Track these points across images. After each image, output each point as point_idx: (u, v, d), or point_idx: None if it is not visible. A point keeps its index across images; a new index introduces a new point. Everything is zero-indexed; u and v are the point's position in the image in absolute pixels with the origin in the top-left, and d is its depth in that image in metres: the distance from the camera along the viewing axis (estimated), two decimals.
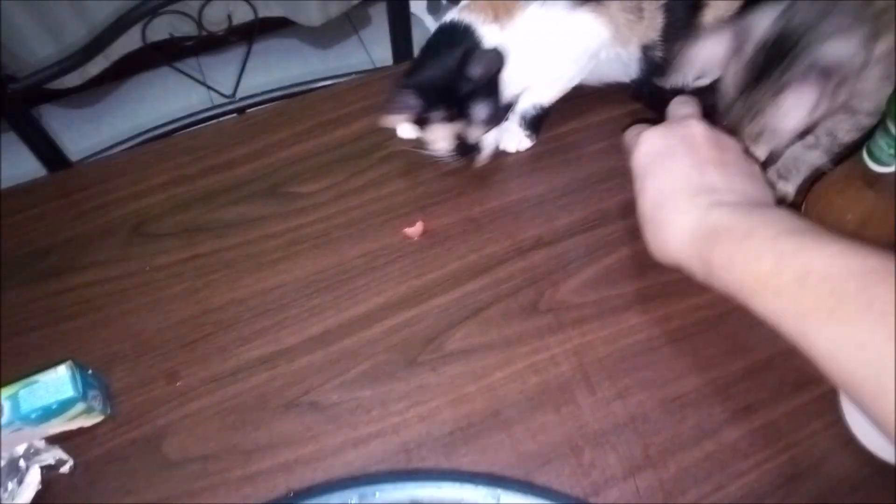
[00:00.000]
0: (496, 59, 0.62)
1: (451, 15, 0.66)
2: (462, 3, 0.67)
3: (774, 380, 0.55)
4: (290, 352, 0.60)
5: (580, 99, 0.70)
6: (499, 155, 0.69)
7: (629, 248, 0.63)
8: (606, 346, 0.58)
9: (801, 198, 0.59)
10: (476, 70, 0.62)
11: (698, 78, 0.69)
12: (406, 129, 0.71)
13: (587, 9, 0.63)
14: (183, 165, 0.73)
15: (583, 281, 0.62)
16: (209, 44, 1.03)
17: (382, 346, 0.60)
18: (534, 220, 0.66)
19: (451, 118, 0.64)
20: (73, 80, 1.64)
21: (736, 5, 0.60)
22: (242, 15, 1.68)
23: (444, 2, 1.89)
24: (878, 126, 0.41)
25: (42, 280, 0.66)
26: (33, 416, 0.52)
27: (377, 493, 0.42)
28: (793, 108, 0.51)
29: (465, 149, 0.66)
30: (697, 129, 0.54)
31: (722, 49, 0.56)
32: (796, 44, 0.51)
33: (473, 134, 0.65)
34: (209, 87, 1.00)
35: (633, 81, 0.69)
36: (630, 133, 0.59)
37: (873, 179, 0.44)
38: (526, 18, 0.64)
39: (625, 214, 0.65)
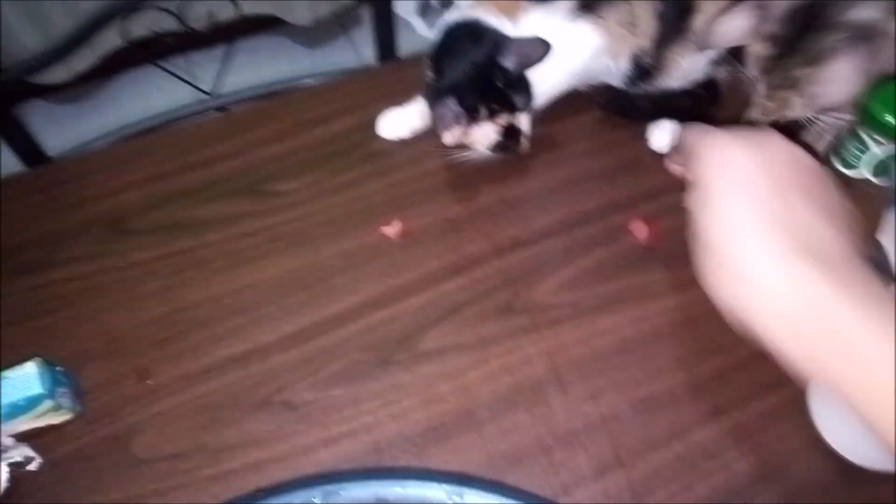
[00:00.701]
0: (541, 47, 0.62)
1: (456, 16, 0.66)
2: (465, 4, 0.66)
3: (744, 381, 0.55)
4: (264, 350, 0.60)
5: (560, 102, 0.70)
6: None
7: (605, 250, 0.63)
8: (580, 346, 0.58)
9: None
10: (514, 59, 0.62)
11: (682, 79, 0.69)
12: (387, 130, 0.72)
13: (587, 20, 0.63)
14: (161, 162, 0.72)
15: (558, 282, 0.62)
16: (194, 41, 1.02)
17: (357, 345, 0.60)
18: (511, 220, 0.66)
19: (495, 112, 0.64)
20: (61, 75, 1.64)
21: (723, 5, 0.60)
22: (230, 12, 1.68)
23: (434, 4, 1.89)
24: (848, 131, 0.42)
25: (16, 276, 0.65)
26: (0, 412, 0.52)
27: (341, 492, 0.42)
28: (844, 75, 0.50)
29: (510, 138, 0.66)
30: (781, 146, 0.45)
31: (746, 23, 0.56)
32: (824, 12, 0.51)
33: (520, 120, 0.65)
34: (191, 84, 0.99)
35: (600, 94, 0.70)
36: (693, 133, 0.49)
37: (842, 184, 0.44)
38: (529, 23, 0.64)
39: (602, 216, 0.65)
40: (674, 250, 0.62)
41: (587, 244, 0.64)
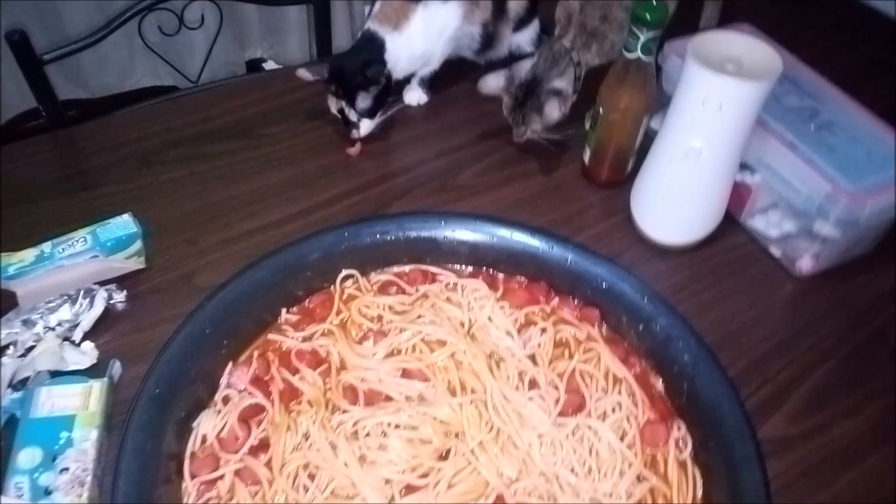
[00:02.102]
0: (382, 71, 0.93)
1: (368, 24, 0.96)
2: (373, 12, 0.97)
3: (593, 213, 0.89)
4: (277, 223, 0.85)
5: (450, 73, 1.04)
6: (402, 102, 1.01)
7: (499, 153, 0.96)
8: (492, 204, 0.89)
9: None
10: (370, 73, 0.92)
11: (514, 53, 1.04)
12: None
13: (452, 2, 0.97)
14: (170, 120, 0.97)
15: (472, 172, 0.93)
16: None
17: (344, 216, 0.86)
18: (435, 142, 0.97)
19: (337, 94, 0.93)
20: None
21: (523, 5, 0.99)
22: (135, 82, 1.91)
23: None
24: (628, 31, 0.78)
25: (72, 193, 0.86)
26: (108, 244, 0.73)
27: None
28: (554, 110, 0.90)
29: (346, 120, 0.94)
30: None
31: (501, 81, 0.95)
32: (539, 83, 0.90)
33: (351, 114, 0.94)
34: (178, 71, 1.24)
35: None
36: None
37: (629, 63, 0.80)
38: (416, 17, 0.97)
39: (495, 135, 0.98)
40: (541, 149, 0.96)
41: (487, 151, 0.96)
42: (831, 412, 0.73)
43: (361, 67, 0.91)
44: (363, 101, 0.92)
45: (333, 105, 0.94)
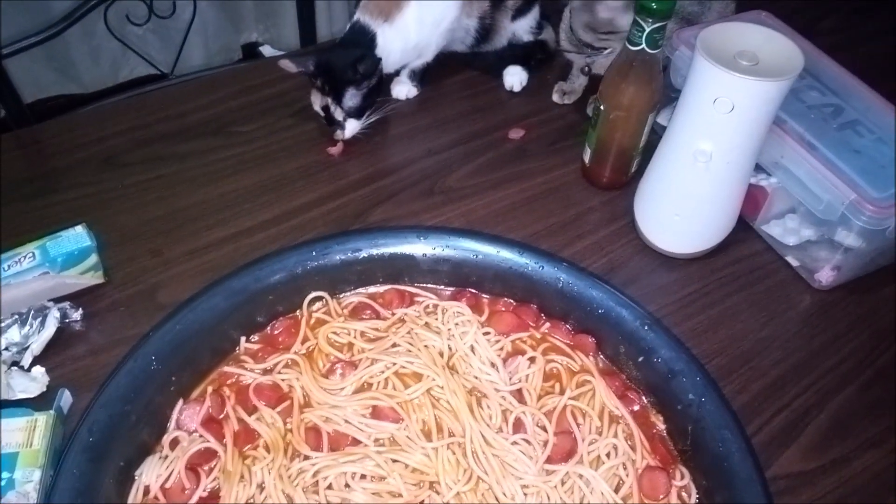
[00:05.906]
0: (376, 66, 0.85)
1: (357, 15, 0.88)
2: (363, 2, 0.90)
3: (593, 218, 0.82)
4: (249, 231, 0.79)
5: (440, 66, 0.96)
6: (393, 101, 0.94)
7: (492, 152, 0.89)
8: (484, 209, 0.82)
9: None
10: (363, 68, 0.84)
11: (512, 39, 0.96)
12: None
13: None
14: (140, 117, 0.90)
15: (463, 173, 0.86)
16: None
17: (321, 223, 0.80)
18: (424, 140, 0.90)
19: (323, 90, 0.85)
20: None
21: None
22: (129, 72, 1.84)
23: None
24: (632, 22, 0.70)
25: (31, 199, 0.80)
26: (59, 260, 0.67)
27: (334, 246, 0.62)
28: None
29: (330, 119, 0.87)
30: None
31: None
32: None
33: (337, 113, 0.86)
34: (153, 65, 1.17)
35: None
36: None
37: (633, 57, 0.72)
38: (410, 9, 0.89)
39: (487, 133, 0.91)
40: (537, 149, 0.89)
41: (480, 150, 0.89)
42: (853, 444, 0.66)
43: (353, 62, 0.83)
44: (352, 98, 0.85)
45: (317, 101, 0.87)
